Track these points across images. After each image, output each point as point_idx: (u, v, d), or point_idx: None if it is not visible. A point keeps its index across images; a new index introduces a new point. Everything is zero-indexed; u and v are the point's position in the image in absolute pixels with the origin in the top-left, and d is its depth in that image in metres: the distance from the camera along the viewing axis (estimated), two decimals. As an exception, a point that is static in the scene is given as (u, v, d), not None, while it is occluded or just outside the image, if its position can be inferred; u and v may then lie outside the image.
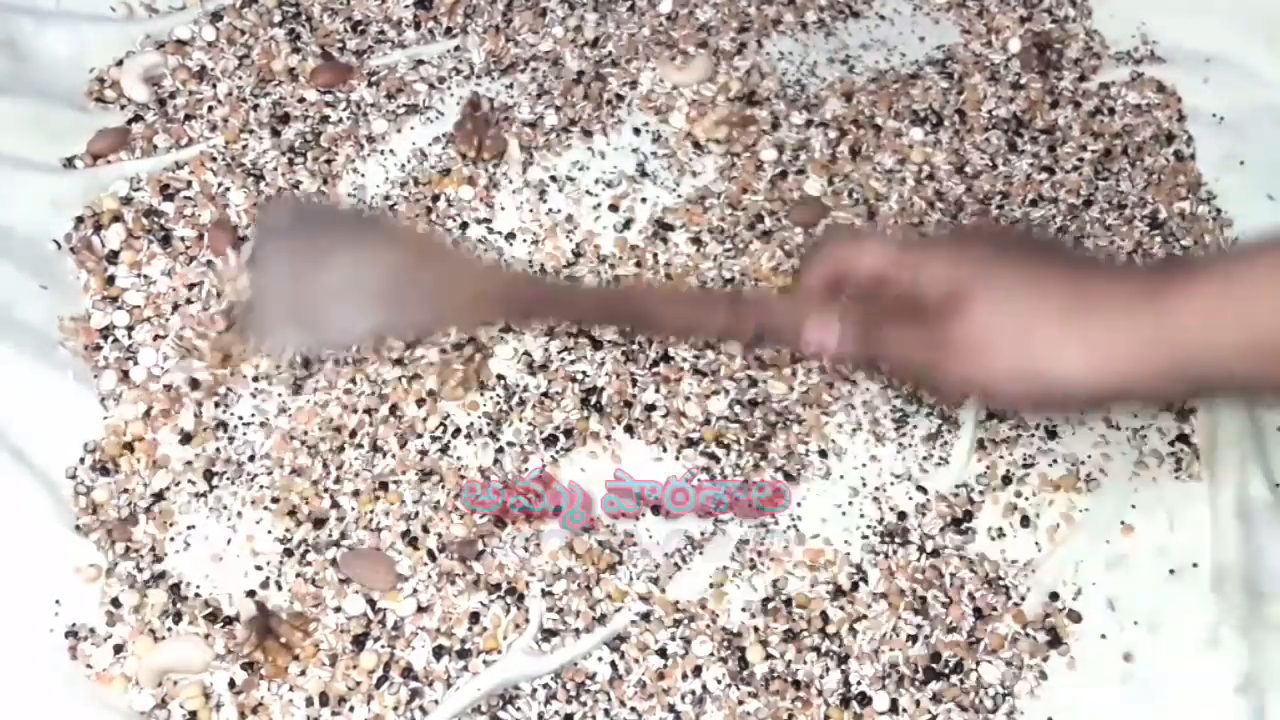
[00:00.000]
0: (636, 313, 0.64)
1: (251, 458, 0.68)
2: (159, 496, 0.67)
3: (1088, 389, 0.53)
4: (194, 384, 0.70)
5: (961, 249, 0.56)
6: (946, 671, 0.65)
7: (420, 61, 0.83)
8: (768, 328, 0.60)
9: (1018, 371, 0.53)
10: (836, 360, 0.60)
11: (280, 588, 0.65)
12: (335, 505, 0.67)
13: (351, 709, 0.62)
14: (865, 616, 0.66)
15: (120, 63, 0.81)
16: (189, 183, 0.77)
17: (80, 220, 0.75)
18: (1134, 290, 0.52)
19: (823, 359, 0.61)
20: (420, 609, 0.65)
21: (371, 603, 0.65)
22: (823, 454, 0.71)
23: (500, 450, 0.69)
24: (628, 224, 0.77)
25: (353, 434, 0.69)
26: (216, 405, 0.70)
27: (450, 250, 0.69)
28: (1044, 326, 0.53)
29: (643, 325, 0.68)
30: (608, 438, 0.70)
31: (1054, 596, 0.68)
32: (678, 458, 0.70)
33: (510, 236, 0.76)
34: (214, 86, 0.81)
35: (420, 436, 0.69)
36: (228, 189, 0.77)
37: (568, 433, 0.70)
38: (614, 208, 0.77)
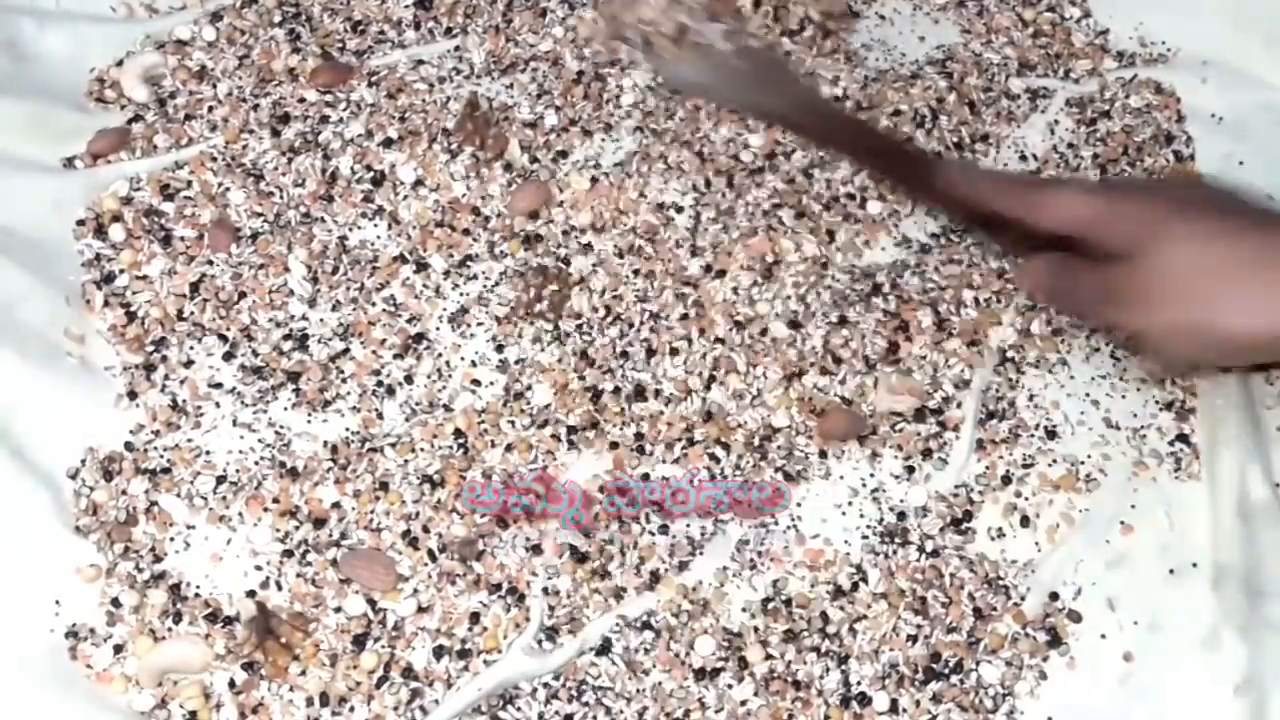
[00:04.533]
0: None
1: (254, 460, 0.69)
2: (159, 497, 0.67)
3: (1260, 339, 0.54)
4: (196, 384, 0.70)
5: (1150, 200, 0.57)
6: (946, 671, 0.65)
7: (420, 61, 0.83)
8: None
9: (1190, 321, 0.54)
10: (1049, 301, 0.63)
11: (280, 588, 0.65)
12: (335, 505, 0.67)
13: (352, 709, 0.62)
14: (865, 617, 0.66)
15: (120, 63, 0.81)
16: (189, 183, 0.77)
17: (81, 221, 0.75)
18: None
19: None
20: (420, 609, 0.65)
21: (372, 603, 0.65)
22: (822, 454, 0.71)
23: (509, 449, 0.69)
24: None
25: (349, 440, 0.70)
26: (218, 406, 0.70)
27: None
28: (1221, 278, 0.53)
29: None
30: (612, 442, 0.70)
31: (1054, 596, 0.68)
32: (678, 458, 0.70)
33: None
34: (214, 86, 0.81)
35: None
36: (228, 189, 0.77)
37: (571, 429, 0.70)
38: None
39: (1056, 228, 0.60)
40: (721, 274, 0.76)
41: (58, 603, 0.64)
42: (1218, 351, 0.56)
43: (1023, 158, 0.83)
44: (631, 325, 0.74)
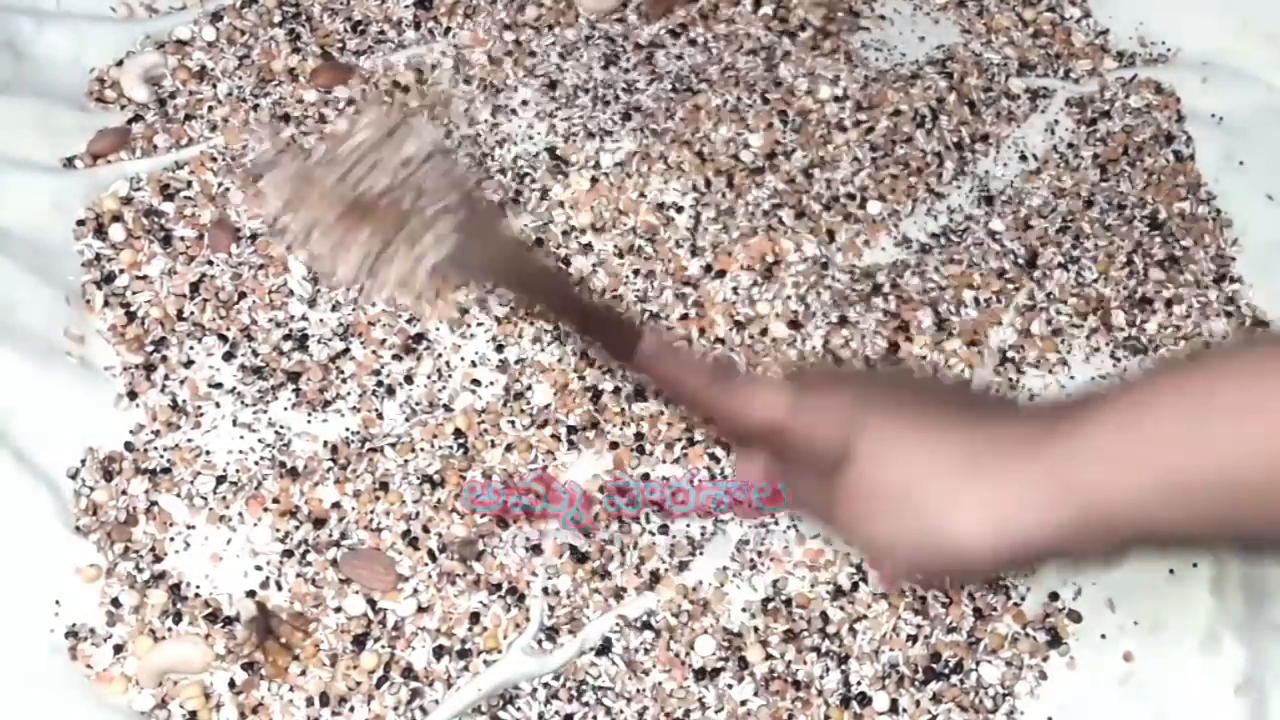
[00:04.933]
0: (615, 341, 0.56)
1: (254, 460, 0.69)
2: (159, 497, 0.67)
3: (987, 552, 0.46)
4: (196, 384, 0.70)
5: (849, 394, 0.50)
6: (946, 671, 0.65)
7: (420, 61, 0.83)
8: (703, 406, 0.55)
9: (907, 535, 0.47)
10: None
11: (280, 588, 0.65)
12: (335, 505, 0.67)
13: (352, 709, 0.62)
14: (865, 616, 0.66)
15: (120, 63, 0.81)
16: (189, 183, 0.77)
17: (81, 221, 0.75)
18: (1032, 435, 0.46)
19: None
20: (420, 609, 0.65)
21: (372, 603, 0.65)
22: (823, 454, 0.71)
23: (509, 449, 0.69)
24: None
25: (348, 441, 0.70)
26: (218, 406, 0.70)
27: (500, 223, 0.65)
28: (932, 484, 0.46)
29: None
30: (612, 442, 0.70)
31: (1054, 596, 0.68)
32: (678, 458, 0.70)
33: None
34: (214, 86, 0.81)
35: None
36: (228, 189, 0.77)
37: (571, 429, 0.70)
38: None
39: (753, 429, 0.51)
40: (721, 274, 0.76)
41: (58, 603, 0.64)
42: (947, 564, 0.48)
43: (1023, 157, 0.83)
44: (631, 325, 0.74)
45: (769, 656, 0.65)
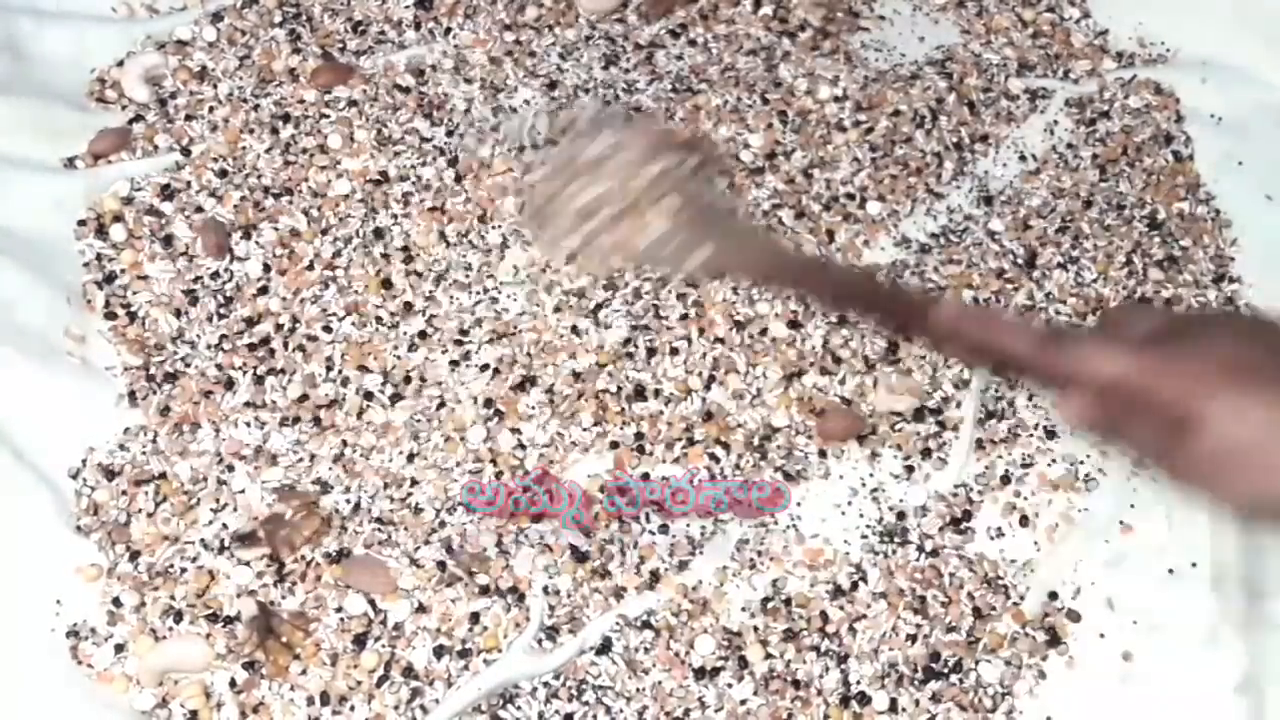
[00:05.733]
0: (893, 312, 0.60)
1: (255, 458, 0.69)
2: (160, 497, 0.67)
3: None
4: (199, 385, 0.70)
5: (1191, 363, 0.52)
6: (946, 671, 0.66)
7: (420, 61, 0.83)
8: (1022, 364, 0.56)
9: (1273, 494, 0.50)
10: (1095, 432, 0.56)
11: (281, 586, 0.65)
12: (336, 506, 0.67)
13: (352, 708, 0.62)
14: (865, 616, 0.67)
15: (121, 63, 0.81)
16: (189, 183, 0.77)
17: (82, 221, 0.75)
18: None
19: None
20: (421, 609, 0.65)
21: (372, 603, 0.65)
22: (822, 454, 0.71)
23: (520, 447, 0.70)
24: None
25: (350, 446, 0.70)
26: (219, 406, 0.70)
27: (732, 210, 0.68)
28: None
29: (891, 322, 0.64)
30: (612, 442, 0.70)
31: (1053, 596, 0.68)
32: (678, 458, 0.70)
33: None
34: (215, 87, 0.81)
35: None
36: (228, 189, 0.77)
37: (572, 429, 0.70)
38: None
39: (1078, 383, 0.53)
40: (721, 274, 0.76)
41: (59, 602, 0.64)
42: None
43: (1022, 158, 0.83)
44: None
45: (768, 656, 0.65)
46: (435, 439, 0.70)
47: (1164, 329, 0.55)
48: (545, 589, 0.66)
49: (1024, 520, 0.70)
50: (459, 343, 0.73)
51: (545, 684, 0.64)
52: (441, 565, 0.66)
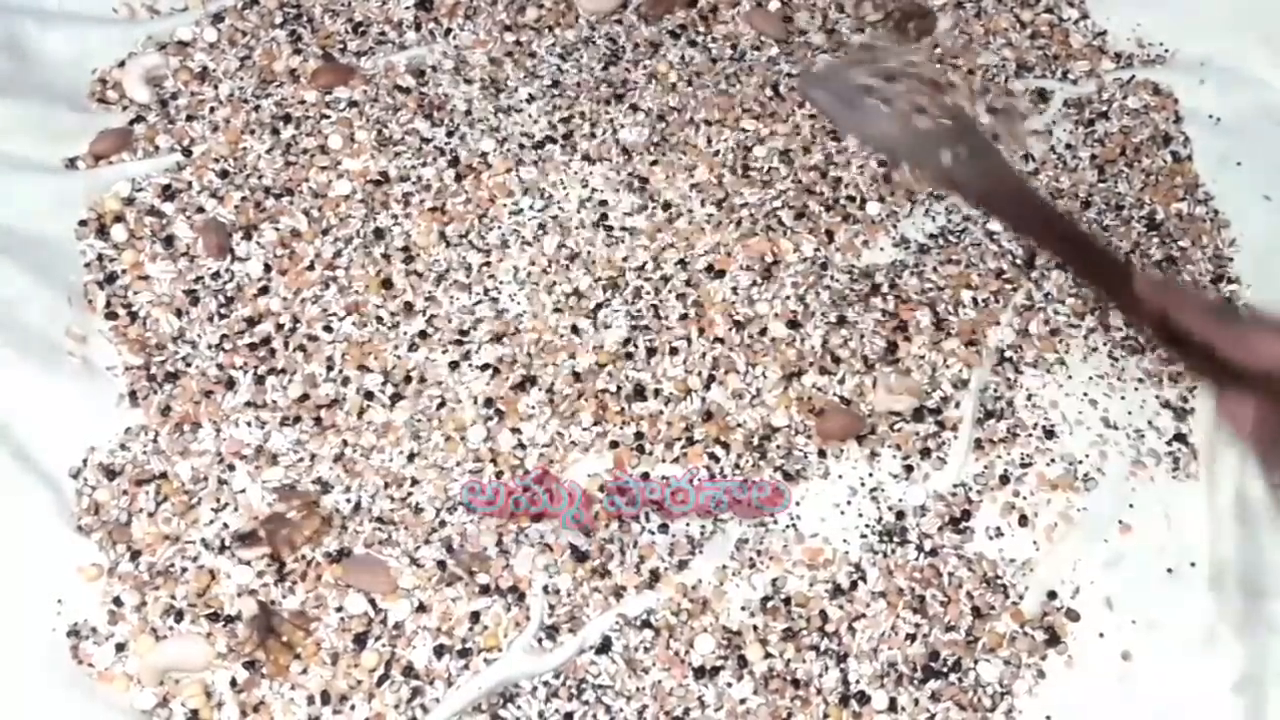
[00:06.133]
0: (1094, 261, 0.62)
1: (255, 457, 0.69)
2: (161, 496, 0.67)
3: None
4: (200, 385, 0.71)
5: None
6: (945, 670, 0.66)
7: (421, 62, 0.83)
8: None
9: None
10: (1247, 440, 0.55)
11: (281, 584, 0.65)
12: (336, 506, 0.68)
13: (353, 707, 0.63)
14: (864, 615, 0.67)
15: (122, 64, 0.81)
16: (190, 183, 0.77)
17: (83, 222, 0.75)
18: None
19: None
20: (421, 608, 0.65)
21: (372, 602, 0.65)
22: (821, 454, 0.71)
23: (520, 446, 0.70)
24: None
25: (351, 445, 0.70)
26: (220, 406, 0.70)
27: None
28: None
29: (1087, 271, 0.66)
30: (612, 442, 0.70)
31: (1052, 595, 0.68)
32: (678, 458, 0.70)
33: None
34: (216, 87, 0.81)
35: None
36: (229, 189, 0.77)
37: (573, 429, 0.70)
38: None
39: (1258, 369, 0.52)
40: (721, 274, 0.76)
41: (60, 602, 0.64)
42: None
43: (1021, 158, 0.83)
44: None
45: (768, 655, 0.65)
46: (435, 439, 0.70)
47: None
48: (545, 588, 0.66)
49: (1023, 520, 0.70)
50: (459, 343, 0.73)
51: (545, 683, 0.64)
52: (442, 565, 0.66)
